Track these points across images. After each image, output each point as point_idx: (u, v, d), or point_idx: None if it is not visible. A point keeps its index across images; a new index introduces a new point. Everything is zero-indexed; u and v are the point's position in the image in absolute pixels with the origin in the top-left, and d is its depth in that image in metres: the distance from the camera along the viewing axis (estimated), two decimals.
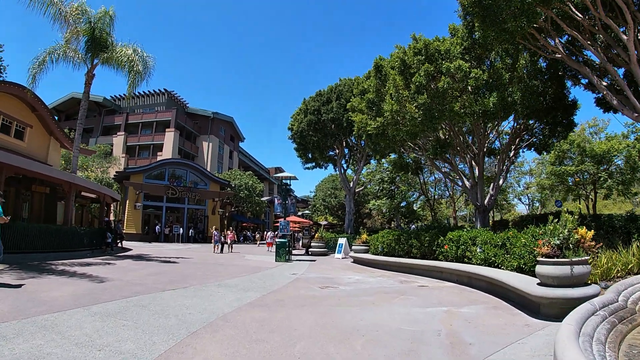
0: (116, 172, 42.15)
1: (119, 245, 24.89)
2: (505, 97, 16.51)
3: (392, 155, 37.80)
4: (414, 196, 43.33)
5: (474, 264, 12.35)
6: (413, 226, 41.40)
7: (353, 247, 22.52)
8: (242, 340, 5.69)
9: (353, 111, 24.07)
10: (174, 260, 18.54)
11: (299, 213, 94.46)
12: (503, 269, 10.49)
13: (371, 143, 23.19)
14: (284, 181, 22.22)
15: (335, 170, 42.06)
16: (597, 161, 32.85)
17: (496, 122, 20.53)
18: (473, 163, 21.97)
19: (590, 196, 37.51)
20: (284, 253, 20.54)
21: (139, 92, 60.54)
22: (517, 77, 17.22)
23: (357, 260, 21.41)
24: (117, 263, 16.04)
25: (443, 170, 26.79)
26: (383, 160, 40.24)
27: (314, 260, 22.29)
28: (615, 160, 33.09)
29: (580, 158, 33.69)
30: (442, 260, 14.26)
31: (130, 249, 24.77)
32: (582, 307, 5.86)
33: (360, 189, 43.31)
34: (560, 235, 7.58)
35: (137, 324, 6.27)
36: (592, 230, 7.98)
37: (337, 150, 38.44)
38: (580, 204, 40.23)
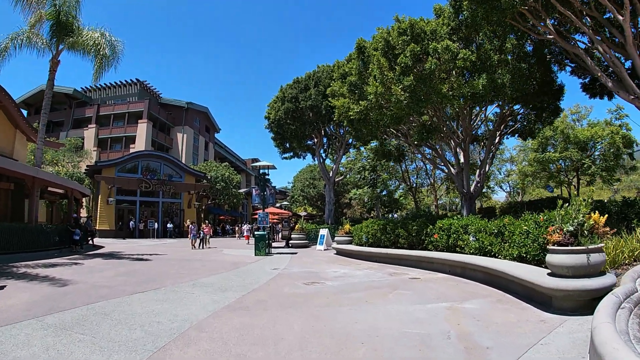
0: (87, 166, 40.43)
1: (90, 242, 23.68)
2: (495, 79, 15.78)
3: (373, 144, 37.25)
4: (394, 185, 42.52)
5: (466, 253, 11.82)
6: (395, 215, 40.70)
7: (335, 238, 21.73)
8: (219, 356, 4.80)
9: (333, 96, 23.15)
10: (147, 257, 17.50)
11: (277, 204, 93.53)
12: (500, 258, 9.97)
13: (353, 129, 22.27)
14: (261, 171, 21.21)
15: (314, 160, 41.17)
16: (581, 148, 32.63)
17: (483, 106, 19.93)
18: (458, 149, 21.38)
19: (573, 183, 37.36)
20: (263, 246, 19.62)
21: (110, 83, 58.74)
22: (504, 60, 16.53)
23: (340, 252, 20.64)
24: (85, 263, 14.95)
25: (428, 157, 26.08)
26: (363, 148, 39.55)
27: (295, 253, 21.44)
28: (599, 147, 32.91)
29: (563, 144, 33.42)
30: (431, 250, 13.64)
31: (101, 247, 23.57)
32: (609, 300, 5.07)
33: (340, 178, 42.45)
34: (574, 220, 6.85)
35: (95, 339, 5.34)
36: (606, 215, 7.27)
37: (315, 140, 37.48)
38: (561, 191, 40.12)
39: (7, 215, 20.47)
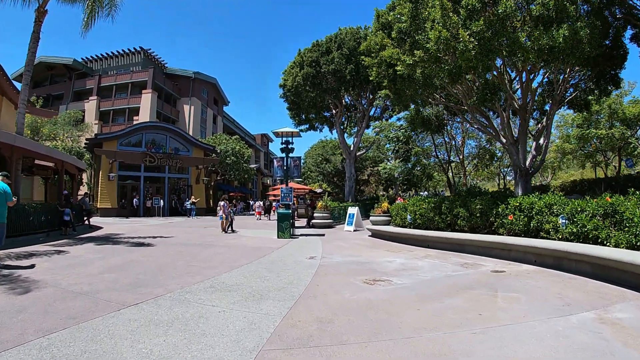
0: (87, 139, 37.18)
1: (86, 223, 20.69)
2: (577, 30, 12.58)
3: (401, 114, 33.92)
4: (426, 159, 38.78)
5: (553, 238, 9.60)
6: (423, 193, 36.98)
7: (371, 218, 18.82)
8: None
9: (369, 53, 19.96)
10: (150, 241, 14.47)
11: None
12: (609, 246, 8.00)
13: (393, 91, 18.98)
14: (284, 139, 18.02)
15: (331, 133, 38.08)
16: (627, 125, 29.13)
17: (552, 66, 16.75)
18: (511, 118, 18.47)
19: (613, 163, 33.92)
20: (287, 227, 16.61)
21: (111, 52, 55.13)
22: (578, 15, 13.45)
23: (376, 234, 17.69)
24: (72, 251, 11.88)
25: (477, 126, 22.88)
26: (395, 118, 36.46)
27: (323, 235, 18.44)
28: None
29: (609, 121, 29.93)
30: (502, 235, 11.42)
31: (99, 228, 20.57)
32: None
33: (361, 152, 39.32)
34: None
35: None
36: None
37: (335, 110, 34.34)
38: (595, 172, 36.80)
39: None
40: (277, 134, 17.99)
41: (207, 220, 28.89)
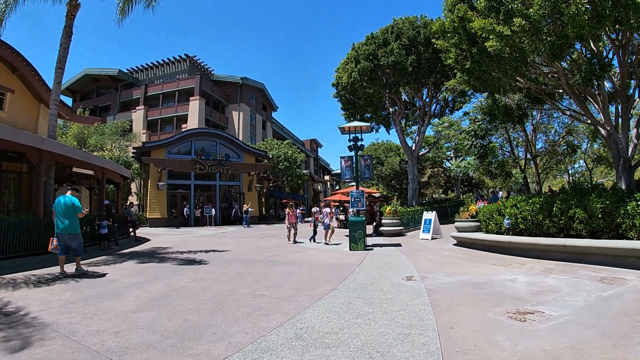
0: (134, 148, 35.78)
1: (132, 235, 18.69)
2: None
3: (467, 107, 30.69)
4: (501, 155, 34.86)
5: None
6: (500, 194, 33.27)
7: (456, 224, 15.88)
8: None
9: (443, 35, 17.31)
10: (202, 257, 12.14)
11: (337, 187, 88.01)
12: None
13: (477, 74, 16.07)
14: (352, 135, 15.39)
15: (389, 133, 35.23)
16: None
17: None
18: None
19: None
20: (361, 237, 13.97)
21: (157, 61, 54.09)
22: None
23: (463, 243, 14.95)
24: (107, 272, 9.62)
25: (569, 114, 19.79)
26: (457, 112, 33.45)
27: (399, 245, 15.77)
28: None
29: None
30: (631, 239, 9.33)
31: (146, 240, 18.54)
32: None
33: (425, 151, 36.28)
34: None
35: None
36: None
37: (394, 107, 31.58)
38: None
39: (19, 205, 15.59)
40: (344, 130, 15.39)
41: (261, 229, 26.63)
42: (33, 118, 19.40)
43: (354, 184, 39.02)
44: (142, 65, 54.72)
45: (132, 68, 54.91)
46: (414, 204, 29.95)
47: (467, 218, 15.63)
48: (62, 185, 22.72)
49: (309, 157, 75.64)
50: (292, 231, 17.23)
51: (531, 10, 11.82)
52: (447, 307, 6.11)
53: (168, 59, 53.37)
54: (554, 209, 11.15)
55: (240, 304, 6.27)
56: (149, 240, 18.68)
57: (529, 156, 31.94)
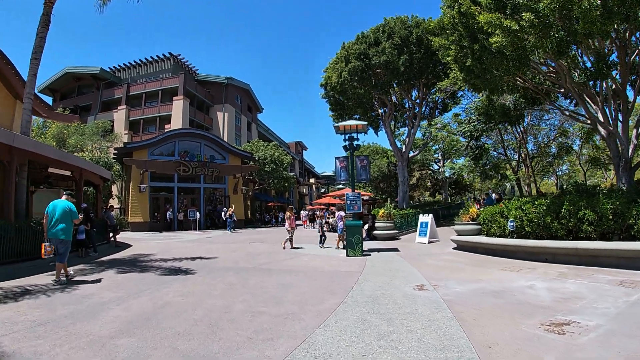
0: (115, 149, 34.45)
1: (112, 240, 17.61)
2: None
3: (456, 109, 30.10)
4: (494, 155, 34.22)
5: None
6: (494, 196, 32.45)
7: (456, 227, 15.20)
8: None
9: (442, 31, 16.74)
10: (188, 265, 11.16)
11: (322, 189, 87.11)
12: None
13: (478, 71, 15.37)
14: (347, 135, 14.54)
15: (377, 135, 34.65)
16: None
17: None
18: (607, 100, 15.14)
19: None
20: (358, 242, 13.12)
21: (140, 60, 52.60)
22: None
23: (464, 246, 14.34)
24: (86, 284, 8.61)
25: (568, 114, 19.28)
26: (447, 113, 32.83)
27: (396, 250, 15.02)
28: None
29: None
30: None
31: (128, 246, 17.47)
32: None
33: (415, 153, 35.61)
34: None
35: None
36: None
37: (384, 109, 30.95)
38: None
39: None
40: (339, 129, 14.52)
41: (248, 234, 25.70)
42: (9, 115, 18.17)
43: (341, 186, 38.15)
44: (124, 64, 53.16)
45: (114, 67, 53.36)
46: (404, 206, 29.28)
47: (467, 221, 14.93)
48: (38, 187, 21.51)
49: (294, 159, 74.72)
50: (290, 237, 16.23)
51: (541, 4, 11.31)
52: (475, 321, 5.44)
53: (152, 57, 51.94)
54: (563, 210, 10.68)
55: (238, 325, 5.37)
56: (130, 246, 17.60)
57: (521, 158, 31.54)
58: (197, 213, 32.29)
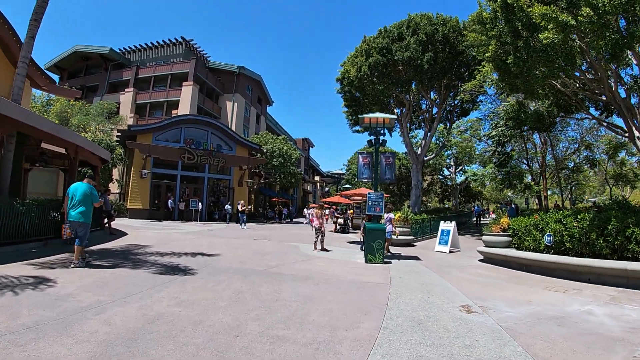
0: (119, 131, 33.01)
1: (106, 227, 16.23)
2: None
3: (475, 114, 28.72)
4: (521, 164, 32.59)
5: None
6: (507, 206, 30.98)
7: (485, 238, 13.73)
8: None
9: (480, 26, 15.44)
10: (187, 263, 9.71)
11: (326, 188, 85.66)
12: None
13: (519, 69, 13.96)
14: (372, 129, 13.08)
15: (392, 135, 33.16)
16: None
17: None
18: None
19: None
20: (380, 248, 11.69)
21: (151, 43, 51.02)
22: None
23: (493, 260, 12.95)
24: (61, 280, 7.21)
25: (605, 125, 17.95)
26: (469, 116, 31.39)
27: (416, 258, 13.68)
28: None
29: None
30: None
31: (123, 234, 16.11)
32: None
33: (431, 157, 34.18)
34: None
35: None
36: None
37: (401, 108, 29.58)
38: None
39: None
40: (364, 122, 13.07)
41: (252, 229, 24.37)
42: (6, 86, 16.74)
43: (348, 186, 36.74)
44: (135, 46, 51.54)
45: (124, 48, 51.69)
46: (416, 211, 27.83)
47: (498, 232, 13.47)
48: (34, 164, 20.15)
49: (300, 156, 73.39)
50: (320, 237, 14.57)
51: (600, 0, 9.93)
52: (553, 358, 4.31)
53: (163, 40, 50.29)
54: (609, 227, 9.50)
55: (254, 358, 3.96)
56: (126, 234, 16.22)
57: (540, 169, 30.14)
58: (200, 203, 30.92)
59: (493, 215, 22.89)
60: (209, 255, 11.42)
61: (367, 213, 13.09)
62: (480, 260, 13.41)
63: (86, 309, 5.39)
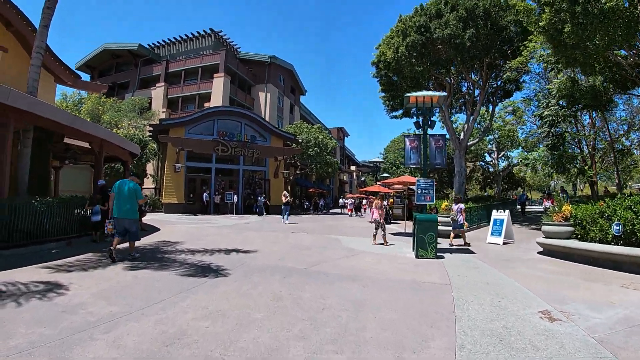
0: (150, 125, 32.51)
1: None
2: None
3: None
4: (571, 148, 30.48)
5: None
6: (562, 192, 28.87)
7: (545, 228, 12.29)
8: None
9: None
10: (220, 262, 8.78)
11: (361, 177, 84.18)
12: None
13: (575, 38, 12.50)
14: (416, 110, 11.85)
15: (436, 118, 31.54)
16: None
17: None
18: None
19: None
20: (432, 241, 10.49)
21: (179, 36, 50.58)
22: None
23: (554, 252, 11.51)
24: (80, 284, 6.38)
25: None
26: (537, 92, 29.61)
27: (469, 251, 12.40)
28: None
29: None
30: None
31: (155, 230, 15.38)
32: None
33: (474, 142, 32.53)
34: None
35: None
36: None
37: (440, 91, 27.95)
38: None
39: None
40: (409, 101, 11.85)
41: (290, 221, 23.37)
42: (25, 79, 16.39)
43: (386, 175, 35.09)
44: (163, 41, 51.34)
45: (153, 44, 51.59)
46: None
47: (559, 221, 12.05)
48: (63, 162, 19.72)
49: (336, 145, 72.34)
50: (380, 231, 13.45)
51: None
52: None
53: (192, 33, 49.86)
54: None
55: None
56: (158, 230, 15.48)
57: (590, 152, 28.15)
58: (235, 196, 30.21)
59: (547, 203, 21.23)
60: (244, 251, 10.46)
61: (416, 202, 11.89)
62: (539, 253, 12.07)
63: (95, 324, 4.46)
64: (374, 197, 25.96)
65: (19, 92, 9.18)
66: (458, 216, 13.91)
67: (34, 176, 14.72)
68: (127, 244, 9.13)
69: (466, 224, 15.10)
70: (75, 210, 11.68)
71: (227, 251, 10.40)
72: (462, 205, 14.15)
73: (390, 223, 24.52)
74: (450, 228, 16.22)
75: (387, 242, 13.23)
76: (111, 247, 8.61)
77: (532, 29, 15.50)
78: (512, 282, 7.67)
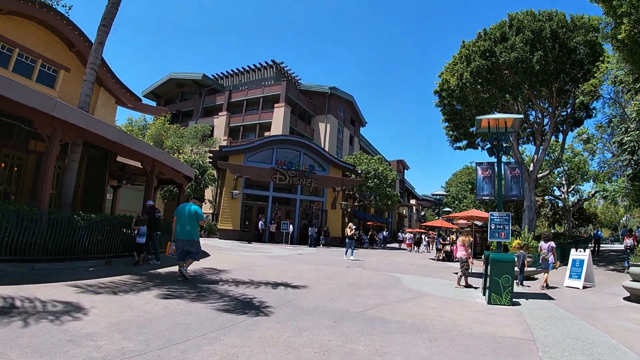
0: (210, 151, 32.72)
1: None
2: None
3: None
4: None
5: None
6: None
7: (632, 270, 10.68)
8: None
9: (603, 2, 12.71)
10: (264, 297, 7.80)
11: (421, 212, 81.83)
12: None
13: None
14: (492, 134, 10.64)
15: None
16: None
17: None
18: None
19: None
20: (508, 285, 9.08)
21: (242, 68, 51.67)
22: None
23: None
24: (101, 310, 5.59)
25: None
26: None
27: (547, 297, 10.83)
28: None
29: None
30: None
31: (205, 255, 14.71)
32: None
33: (544, 174, 30.54)
34: None
35: None
36: None
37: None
38: None
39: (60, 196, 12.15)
40: (481, 125, 10.70)
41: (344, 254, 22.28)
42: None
43: (449, 209, 33.41)
44: (227, 72, 52.79)
45: (216, 74, 53.14)
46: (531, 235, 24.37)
47: None
48: (121, 182, 19.73)
49: (396, 177, 70.88)
50: (466, 270, 11.89)
51: None
52: None
53: (254, 65, 50.76)
54: None
55: None
56: (207, 256, 14.82)
57: None
58: (291, 226, 29.52)
59: (628, 241, 19.24)
60: (293, 286, 9.48)
61: (489, 239, 10.57)
62: (625, 299, 10.58)
63: None
64: (433, 232, 24.41)
65: (65, 104, 8.89)
66: (549, 255, 12.45)
67: (88, 193, 14.61)
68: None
69: (558, 262, 13.96)
70: (122, 230, 11.20)
71: (275, 285, 9.46)
72: (552, 244, 12.74)
73: (453, 261, 22.93)
74: (517, 269, 14.60)
75: (468, 285, 11.78)
76: (181, 268, 8.97)
77: (609, 43, 14.06)
78: (606, 338, 6.31)
